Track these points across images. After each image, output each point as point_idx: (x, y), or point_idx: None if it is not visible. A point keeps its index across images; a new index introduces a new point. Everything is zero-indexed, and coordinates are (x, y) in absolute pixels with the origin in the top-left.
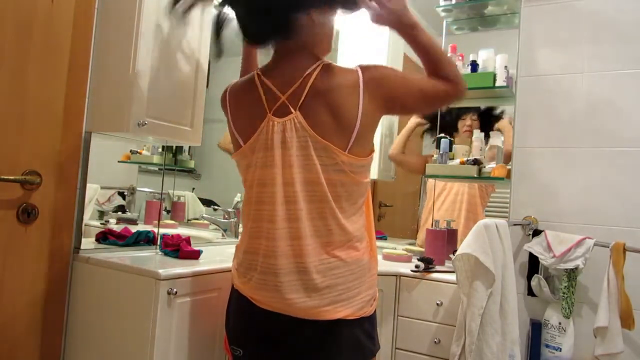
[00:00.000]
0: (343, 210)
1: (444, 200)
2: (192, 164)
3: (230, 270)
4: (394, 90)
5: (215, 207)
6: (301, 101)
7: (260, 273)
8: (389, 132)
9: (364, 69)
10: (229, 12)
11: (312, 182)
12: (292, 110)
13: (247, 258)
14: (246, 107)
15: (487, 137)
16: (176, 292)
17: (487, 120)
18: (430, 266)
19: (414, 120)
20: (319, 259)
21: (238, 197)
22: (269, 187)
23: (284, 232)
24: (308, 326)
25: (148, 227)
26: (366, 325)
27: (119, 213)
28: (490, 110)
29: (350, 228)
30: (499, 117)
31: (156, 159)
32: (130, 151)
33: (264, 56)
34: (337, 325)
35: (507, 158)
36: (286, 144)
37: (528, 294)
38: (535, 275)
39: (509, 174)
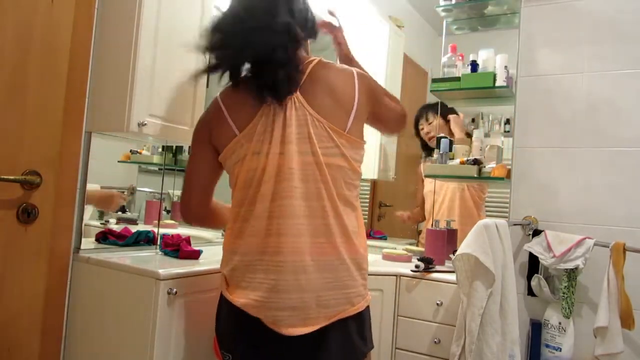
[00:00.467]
0: (340, 196)
1: (439, 207)
2: None
3: None
4: (376, 88)
5: None
6: (300, 84)
7: (265, 272)
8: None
9: (356, 70)
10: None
11: (311, 162)
12: (289, 95)
13: (249, 259)
14: (241, 99)
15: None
16: (176, 292)
17: (443, 113)
18: (430, 266)
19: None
20: (312, 241)
21: None
22: (264, 169)
23: (277, 209)
24: (291, 340)
25: (148, 227)
26: (358, 324)
27: (119, 213)
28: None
29: (345, 218)
30: (448, 108)
31: (156, 159)
32: (130, 151)
33: None
34: (329, 326)
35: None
36: (286, 122)
37: (528, 294)
38: (535, 275)
39: (509, 174)
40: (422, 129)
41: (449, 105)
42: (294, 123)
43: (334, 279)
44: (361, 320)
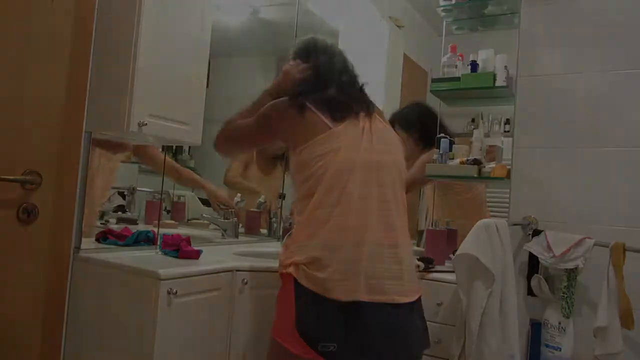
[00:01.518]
0: (402, 193)
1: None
2: (192, 164)
3: (231, 270)
4: None
5: None
6: (373, 112)
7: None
8: None
9: None
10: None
11: (392, 160)
12: (372, 112)
13: (341, 236)
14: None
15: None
16: (176, 292)
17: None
18: (430, 266)
19: None
20: (399, 222)
21: (238, 197)
22: (358, 160)
23: (375, 192)
24: (399, 307)
25: (148, 227)
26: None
27: (119, 213)
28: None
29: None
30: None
31: None
32: None
33: None
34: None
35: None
36: (372, 129)
37: (528, 294)
38: (535, 275)
39: (509, 174)
40: None
41: (448, 106)
42: (378, 131)
43: (411, 256)
44: (421, 302)
